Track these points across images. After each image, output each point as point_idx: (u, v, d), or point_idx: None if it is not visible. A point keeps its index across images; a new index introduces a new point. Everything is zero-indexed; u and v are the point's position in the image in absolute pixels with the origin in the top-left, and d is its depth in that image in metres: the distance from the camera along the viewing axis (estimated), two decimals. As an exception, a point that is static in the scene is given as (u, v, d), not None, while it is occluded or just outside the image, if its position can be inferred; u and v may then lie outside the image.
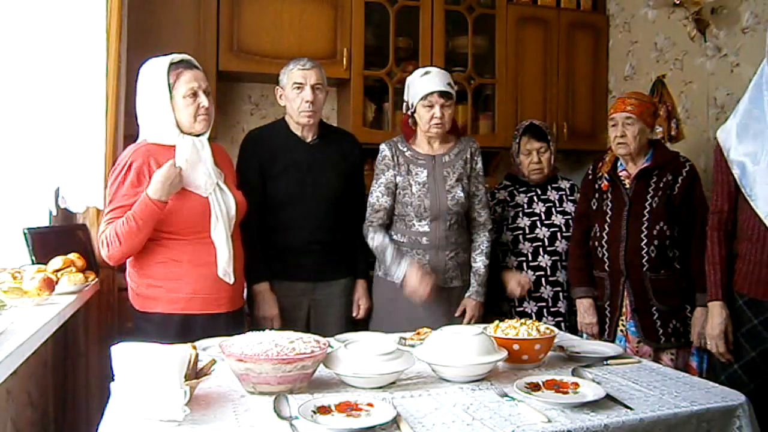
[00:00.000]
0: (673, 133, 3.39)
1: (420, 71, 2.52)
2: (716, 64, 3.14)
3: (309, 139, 2.53)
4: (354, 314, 2.59)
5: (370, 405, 1.36)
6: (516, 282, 2.66)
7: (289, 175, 2.47)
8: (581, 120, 3.82)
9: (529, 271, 2.73)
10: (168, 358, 1.31)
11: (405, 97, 2.56)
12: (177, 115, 2.04)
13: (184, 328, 1.98)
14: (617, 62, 3.84)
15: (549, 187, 2.83)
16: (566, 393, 1.47)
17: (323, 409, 1.33)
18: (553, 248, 2.74)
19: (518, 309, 2.74)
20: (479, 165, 2.60)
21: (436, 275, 2.46)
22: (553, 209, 2.77)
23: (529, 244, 2.74)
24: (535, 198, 2.80)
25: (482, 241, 2.59)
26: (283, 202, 2.47)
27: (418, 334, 1.97)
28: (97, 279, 2.10)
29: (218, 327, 2.02)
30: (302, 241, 2.47)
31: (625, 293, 2.43)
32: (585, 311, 2.56)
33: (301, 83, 2.42)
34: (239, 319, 2.22)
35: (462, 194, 2.49)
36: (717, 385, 1.61)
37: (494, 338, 1.67)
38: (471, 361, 1.55)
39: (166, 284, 2.02)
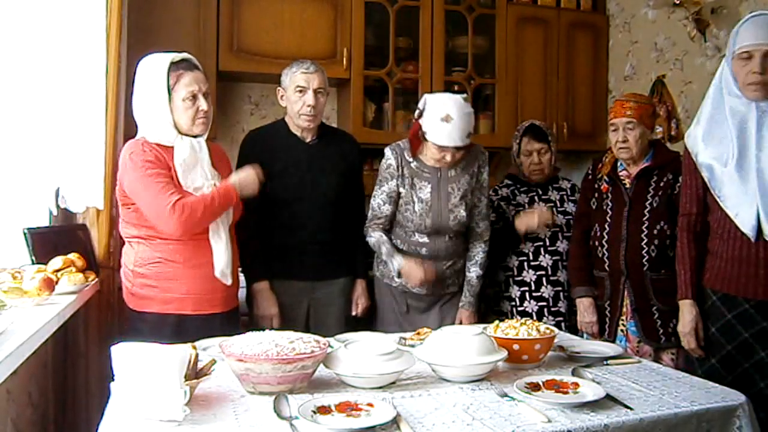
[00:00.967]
0: (673, 133, 3.39)
1: (441, 110, 2.26)
2: (716, 64, 3.12)
3: (308, 140, 2.53)
4: (353, 313, 2.60)
5: (370, 405, 1.36)
6: (533, 220, 2.61)
7: (289, 175, 2.47)
8: (581, 120, 3.83)
9: (530, 270, 2.73)
10: (168, 358, 1.31)
11: (420, 106, 2.36)
12: (175, 117, 2.03)
13: (179, 329, 1.98)
14: (617, 62, 3.84)
15: (550, 188, 2.83)
16: (566, 393, 1.47)
17: (323, 409, 1.33)
18: (554, 248, 2.74)
19: (519, 309, 2.74)
20: (484, 176, 2.53)
21: (435, 283, 2.47)
22: (554, 209, 2.77)
23: (530, 243, 2.74)
24: (536, 198, 2.80)
25: (478, 251, 2.56)
26: (282, 202, 2.47)
27: (418, 334, 1.98)
28: (97, 279, 2.10)
29: (213, 327, 2.02)
30: (301, 240, 2.47)
31: (626, 293, 2.43)
32: (585, 310, 2.56)
33: (303, 87, 2.42)
34: (234, 319, 2.21)
35: (464, 213, 2.46)
36: (717, 385, 1.61)
37: (494, 338, 1.67)
38: (471, 361, 1.55)
39: (161, 284, 2.02)
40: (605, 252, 2.48)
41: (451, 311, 2.56)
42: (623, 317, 2.46)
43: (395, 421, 1.28)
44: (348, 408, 1.34)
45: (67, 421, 2.17)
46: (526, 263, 2.74)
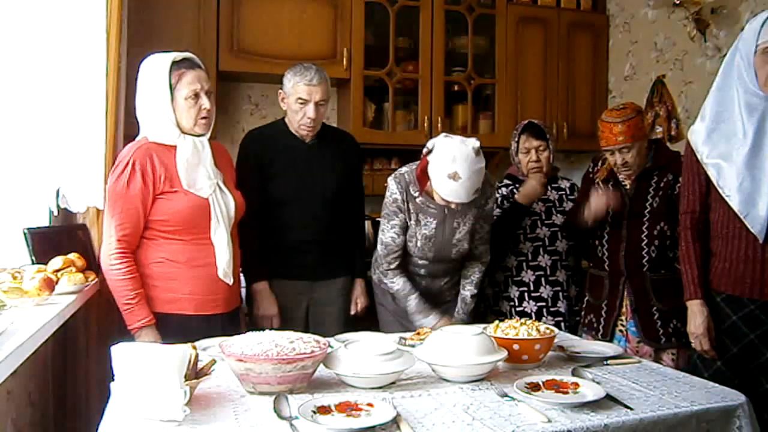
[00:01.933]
0: (673, 133, 3.39)
1: (449, 164, 2.08)
2: (716, 64, 3.13)
3: (308, 140, 2.53)
4: (352, 312, 2.60)
5: (370, 405, 1.36)
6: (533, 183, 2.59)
7: (288, 175, 2.48)
8: (581, 120, 3.83)
9: (529, 270, 2.73)
10: (168, 358, 1.31)
11: (429, 146, 2.21)
12: (177, 116, 2.04)
13: (180, 329, 1.97)
14: (617, 62, 3.84)
15: (549, 187, 2.83)
16: (566, 393, 1.47)
17: (323, 409, 1.33)
18: (553, 248, 2.74)
19: (518, 309, 2.74)
20: (490, 205, 2.45)
21: (429, 296, 2.46)
22: (553, 209, 2.77)
23: (530, 243, 2.74)
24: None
25: (474, 271, 2.52)
26: (281, 202, 2.47)
27: (418, 334, 1.98)
28: (97, 279, 2.09)
29: (215, 327, 2.02)
30: (301, 240, 2.48)
31: (625, 293, 2.43)
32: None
33: (305, 100, 2.40)
34: (236, 319, 2.22)
35: (467, 246, 2.42)
36: (717, 385, 1.62)
37: (494, 338, 1.67)
38: (471, 361, 1.55)
39: (163, 284, 2.02)
40: (605, 252, 2.48)
41: (450, 312, 2.55)
42: (623, 317, 2.45)
43: (395, 421, 1.29)
44: (348, 408, 1.34)
45: (67, 421, 2.17)
46: (524, 263, 2.74)
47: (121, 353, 1.33)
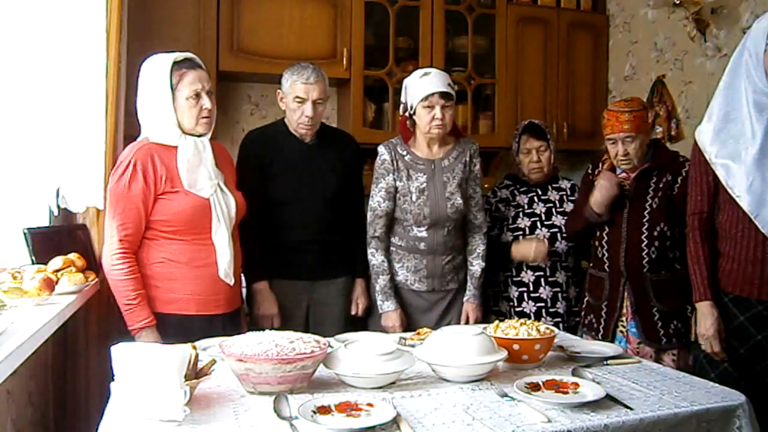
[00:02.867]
0: (673, 133, 3.39)
1: (419, 72, 2.47)
2: (716, 64, 3.14)
3: (308, 140, 2.53)
4: (353, 312, 2.60)
5: (370, 405, 1.36)
6: (529, 252, 2.62)
7: (288, 174, 2.48)
8: (581, 120, 3.83)
9: (529, 271, 2.73)
10: (168, 358, 1.31)
11: (402, 99, 2.51)
12: (179, 117, 2.04)
13: (182, 329, 1.97)
14: (617, 62, 3.84)
15: (549, 188, 2.83)
16: (566, 393, 1.47)
17: (323, 409, 1.33)
18: (553, 249, 2.73)
19: (517, 309, 2.74)
20: (477, 167, 2.58)
21: (433, 279, 2.48)
22: (554, 210, 2.77)
23: (529, 244, 2.74)
24: (535, 198, 2.80)
25: (478, 244, 2.59)
26: (281, 202, 2.47)
27: (418, 334, 1.98)
28: (97, 279, 2.09)
29: (216, 328, 2.03)
30: (301, 240, 2.48)
31: (626, 294, 2.42)
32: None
33: (303, 98, 2.41)
34: (237, 319, 2.22)
35: (461, 201, 2.48)
36: (717, 385, 1.62)
37: (494, 338, 1.67)
38: (471, 361, 1.55)
39: (164, 284, 2.02)
40: (605, 253, 2.48)
41: (452, 310, 2.56)
42: (623, 318, 2.45)
43: (395, 421, 1.29)
44: (348, 408, 1.35)
45: (67, 421, 2.17)
46: (524, 264, 2.74)
47: (121, 353, 1.33)
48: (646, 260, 2.38)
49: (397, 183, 2.47)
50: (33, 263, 2.02)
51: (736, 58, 1.97)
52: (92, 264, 2.18)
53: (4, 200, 2.04)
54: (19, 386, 1.66)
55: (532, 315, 2.69)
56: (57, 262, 1.96)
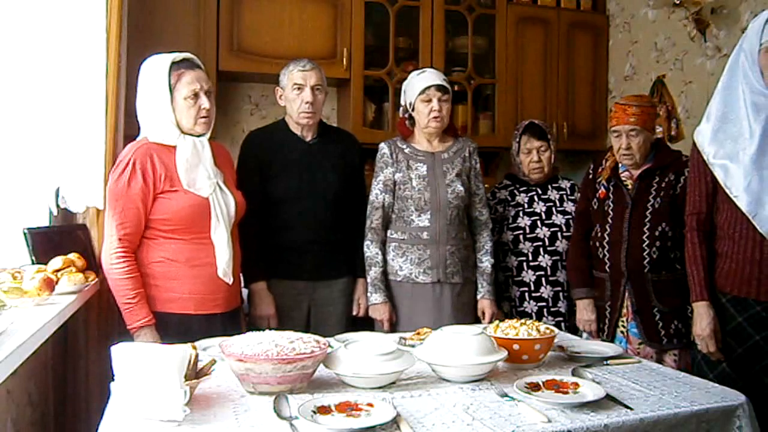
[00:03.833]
0: (673, 133, 3.39)
1: (415, 72, 2.59)
2: (716, 64, 3.14)
3: (308, 139, 2.54)
4: (354, 313, 2.60)
5: (370, 405, 1.36)
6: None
7: (288, 174, 2.48)
8: (581, 120, 3.83)
9: (530, 270, 2.73)
10: (168, 358, 1.31)
11: (402, 101, 2.62)
12: (177, 116, 2.04)
13: (181, 328, 1.98)
14: (617, 62, 3.84)
15: (549, 187, 2.83)
16: (566, 393, 1.47)
17: (323, 409, 1.33)
18: (554, 248, 2.74)
19: (518, 309, 2.74)
20: (477, 164, 2.64)
21: (438, 270, 2.48)
22: (554, 209, 2.78)
23: (530, 243, 2.74)
24: (535, 198, 2.80)
25: (486, 240, 2.63)
26: (282, 201, 2.47)
27: (418, 334, 1.97)
28: (97, 279, 2.09)
29: (215, 327, 2.03)
30: (302, 240, 2.48)
31: (626, 294, 2.42)
32: (584, 308, 2.56)
33: (301, 84, 2.44)
34: (236, 318, 2.22)
35: (461, 188, 2.53)
36: (717, 385, 1.61)
37: (494, 338, 1.67)
38: (471, 361, 1.55)
39: (163, 284, 2.02)
40: (606, 253, 2.48)
41: (458, 306, 2.53)
42: (623, 318, 2.45)
43: (395, 421, 1.28)
44: (348, 408, 1.34)
45: (67, 421, 2.17)
46: (525, 263, 2.74)
47: (121, 353, 1.33)
48: (647, 260, 2.38)
49: (396, 175, 2.53)
50: (33, 263, 2.02)
51: (733, 59, 1.97)
52: (92, 264, 2.18)
53: (4, 200, 2.04)
54: (19, 386, 1.66)
55: (533, 315, 2.70)
56: (57, 262, 1.96)
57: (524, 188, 2.83)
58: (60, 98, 2.13)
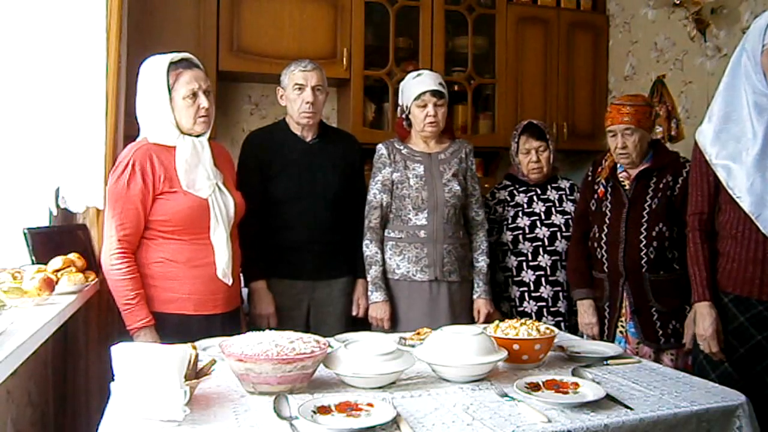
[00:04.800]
0: (673, 133, 3.39)
1: (412, 74, 2.60)
2: (716, 64, 3.14)
3: (308, 139, 2.54)
4: (354, 313, 2.60)
5: (370, 405, 1.36)
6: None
7: (288, 173, 2.48)
8: (581, 120, 3.83)
9: (529, 270, 2.73)
10: (168, 358, 1.31)
11: (399, 101, 2.63)
12: (176, 116, 2.04)
13: (180, 328, 1.97)
14: (617, 62, 3.84)
15: (549, 187, 2.83)
16: (566, 393, 1.47)
17: (323, 409, 1.33)
18: (553, 248, 2.74)
19: (518, 309, 2.74)
20: (473, 165, 2.66)
21: (434, 268, 2.48)
22: (553, 209, 2.78)
23: (529, 243, 2.74)
24: (534, 198, 2.80)
25: (482, 240, 2.64)
26: (282, 201, 2.48)
27: (418, 334, 1.97)
28: (97, 279, 2.09)
29: (214, 327, 2.03)
30: (302, 240, 2.48)
31: (625, 294, 2.43)
32: (585, 311, 2.56)
33: (302, 84, 2.44)
34: (236, 319, 2.22)
35: (458, 188, 2.55)
36: (717, 385, 1.62)
37: (494, 338, 1.67)
38: (471, 361, 1.55)
39: (162, 284, 2.02)
40: (604, 254, 2.48)
41: (454, 306, 2.54)
42: (622, 319, 2.45)
43: (395, 421, 1.28)
44: (348, 408, 1.34)
45: (67, 421, 2.17)
46: (525, 263, 2.74)
47: (121, 353, 1.33)
48: (644, 260, 2.38)
49: (394, 175, 2.54)
50: (33, 263, 2.02)
51: (735, 59, 1.97)
52: (92, 264, 2.18)
53: (4, 200, 2.04)
54: (19, 386, 1.66)
55: (533, 315, 2.70)
56: (57, 262, 1.96)
57: (523, 188, 2.83)
58: (60, 98, 2.13)
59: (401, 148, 2.60)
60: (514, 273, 2.76)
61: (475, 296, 2.60)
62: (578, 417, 1.34)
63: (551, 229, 2.74)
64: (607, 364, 1.76)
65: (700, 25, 3.19)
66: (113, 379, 1.34)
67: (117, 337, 1.91)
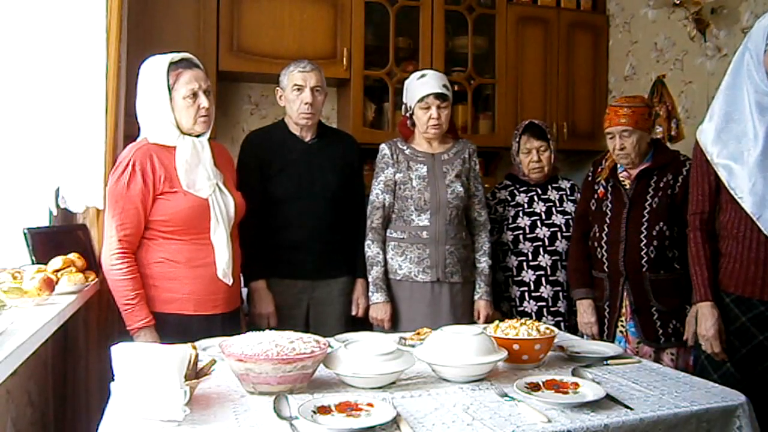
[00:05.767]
0: (673, 133, 3.39)
1: (417, 74, 2.57)
2: (716, 64, 3.14)
3: (308, 139, 2.55)
4: (353, 313, 2.60)
5: (370, 405, 1.36)
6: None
7: (288, 173, 2.49)
8: (581, 120, 3.83)
9: (530, 270, 2.73)
10: (168, 358, 1.31)
11: (404, 99, 2.62)
12: (177, 116, 2.04)
13: (180, 329, 1.98)
14: (617, 62, 3.84)
15: (549, 187, 2.83)
16: (566, 393, 1.47)
17: (323, 409, 1.33)
18: (554, 248, 2.74)
19: (518, 309, 2.74)
20: (477, 166, 2.66)
21: (437, 269, 2.48)
22: (554, 209, 2.78)
23: (530, 243, 2.75)
24: (535, 198, 2.80)
25: (484, 241, 2.64)
26: (281, 201, 2.48)
27: (418, 334, 1.98)
28: (97, 279, 2.09)
29: (214, 327, 2.03)
30: (301, 239, 2.48)
31: (625, 294, 2.43)
32: (584, 311, 2.56)
33: (301, 85, 2.44)
34: (236, 319, 2.22)
35: (461, 189, 2.54)
36: (717, 385, 1.62)
37: (494, 338, 1.67)
38: (471, 361, 1.55)
39: (163, 284, 2.02)
40: (604, 253, 2.48)
41: (456, 307, 2.54)
42: (622, 318, 2.45)
43: (395, 421, 1.28)
44: (348, 408, 1.34)
45: (67, 421, 2.17)
46: (525, 263, 2.74)
47: (121, 353, 1.33)
48: (645, 260, 2.38)
49: (397, 175, 2.54)
50: (33, 263, 2.02)
51: (737, 58, 1.96)
52: (92, 264, 2.18)
53: (4, 200, 2.04)
54: (19, 386, 1.66)
55: (533, 314, 2.70)
56: (57, 262, 1.96)
57: (524, 188, 2.83)
58: (60, 98, 2.13)
59: (404, 148, 2.59)
60: (515, 273, 2.76)
61: (476, 297, 2.60)
62: (578, 417, 1.34)
63: (552, 229, 2.75)
64: (607, 364, 1.76)
65: (700, 25, 3.19)
66: (113, 379, 1.34)
67: (117, 337, 1.91)
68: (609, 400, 1.43)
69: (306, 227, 2.48)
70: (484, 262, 2.61)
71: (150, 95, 2.04)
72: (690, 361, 2.41)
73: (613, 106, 2.47)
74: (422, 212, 2.51)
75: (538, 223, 2.76)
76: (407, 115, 2.60)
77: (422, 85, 2.50)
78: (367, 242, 2.55)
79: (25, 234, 2.06)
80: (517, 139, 2.80)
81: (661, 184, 2.41)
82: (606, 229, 2.48)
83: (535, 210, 2.78)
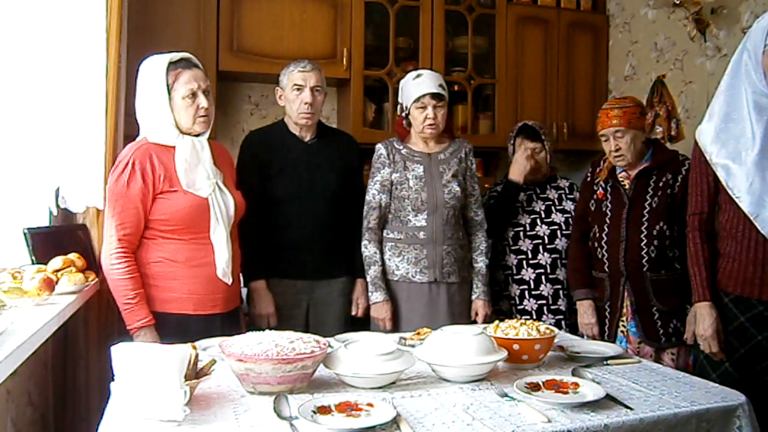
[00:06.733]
0: (673, 133, 3.39)
1: (412, 74, 2.57)
2: (716, 64, 3.14)
3: (307, 139, 2.55)
4: (353, 313, 2.60)
5: (370, 405, 1.36)
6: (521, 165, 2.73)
7: (287, 173, 2.49)
8: (581, 120, 3.83)
9: (529, 269, 2.74)
10: (168, 358, 1.31)
11: (399, 99, 2.62)
12: (176, 116, 2.04)
13: (180, 328, 1.98)
14: (617, 62, 3.84)
15: (548, 187, 2.84)
16: (566, 393, 1.47)
17: (323, 409, 1.33)
18: (553, 246, 2.74)
19: (518, 307, 2.74)
20: (473, 165, 2.65)
21: (434, 270, 2.48)
22: (553, 207, 2.78)
23: (529, 241, 2.75)
24: (534, 196, 2.81)
25: (481, 241, 2.63)
26: (281, 201, 2.48)
27: (418, 334, 1.98)
28: (97, 279, 2.09)
29: (214, 327, 2.03)
30: (301, 239, 2.48)
31: (626, 294, 2.43)
32: (585, 312, 2.56)
33: (300, 85, 2.45)
34: (235, 318, 2.22)
35: (458, 188, 2.54)
36: (717, 385, 1.62)
37: (494, 338, 1.67)
38: (471, 361, 1.55)
39: (162, 283, 2.02)
40: (605, 253, 2.48)
41: (453, 307, 2.54)
42: (623, 318, 2.45)
43: (395, 421, 1.29)
44: (348, 408, 1.34)
45: (67, 421, 2.17)
46: (525, 261, 2.74)
47: (121, 353, 1.33)
48: (645, 259, 2.38)
49: (393, 175, 2.54)
50: (33, 263, 2.02)
51: (736, 59, 1.97)
52: (92, 264, 2.18)
53: (4, 200, 2.04)
54: (19, 386, 1.66)
55: (533, 313, 2.70)
56: (57, 262, 1.96)
57: (523, 188, 2.83)
58: (60, 98, 2.13)
59: (401, 148, 2.59)
60: (514, 271, 2.76)
61: (473, 297, 2.60)
62: (578, 417, 1.34)
63: (551, 227, 2.75)
64: (607, 364, 1.76)
65: (700, 25, 3.19)
66: (113, 379, 1.34)
67: (117, 337, 1.91)
68: (609, 400, 1.43)
69: (306, 227, 2.49)
70: (481, 262, 2.61)
71: (149, 95, 2.04)
72: (690, 361, 2.41)
73: (604, 109, 2.48)
74: (419, 212, 2.51)
75: (538, 221, 2.76)
76: (403, 115, 2.60)
77: (418, 85, 2.50)
78: (364, 242, 2.55)
79: (25, 234, 2.06)
80: (512, 142, 2.81)
81: (661, 184, 2.41)
82: (606, 229, 2.48)
83: (535, 208, 2.78)
